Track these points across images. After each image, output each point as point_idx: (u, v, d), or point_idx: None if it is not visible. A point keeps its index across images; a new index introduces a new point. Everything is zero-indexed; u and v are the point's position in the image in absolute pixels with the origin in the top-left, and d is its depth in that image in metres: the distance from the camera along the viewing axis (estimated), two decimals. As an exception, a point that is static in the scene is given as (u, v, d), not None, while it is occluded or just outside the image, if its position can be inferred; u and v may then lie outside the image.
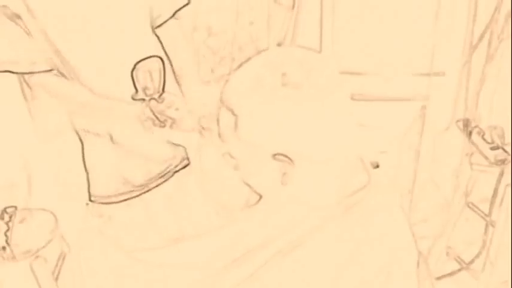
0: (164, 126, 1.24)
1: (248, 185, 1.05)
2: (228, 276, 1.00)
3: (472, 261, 1.45)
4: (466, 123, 1.44)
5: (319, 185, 0.99)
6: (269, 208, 1.04)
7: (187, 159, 1.34)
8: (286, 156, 0.95)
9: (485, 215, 1.44)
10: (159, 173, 1.35)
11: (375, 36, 1.44)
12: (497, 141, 1.40)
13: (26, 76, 1.28)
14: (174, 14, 1.35)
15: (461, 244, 1.47)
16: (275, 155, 0.95)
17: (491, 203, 1.43)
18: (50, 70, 1.25)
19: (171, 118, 1.24)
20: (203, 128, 1.22)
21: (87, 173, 1.34)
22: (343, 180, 1.00)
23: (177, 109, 1.25)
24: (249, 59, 1.22)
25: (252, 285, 0.98)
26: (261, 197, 1.05)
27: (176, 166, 1.36)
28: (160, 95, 1.24)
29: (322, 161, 0.97)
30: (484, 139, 1.40)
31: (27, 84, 1.29)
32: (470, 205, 1.46)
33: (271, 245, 0.99)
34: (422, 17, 1.42)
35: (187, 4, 1.36)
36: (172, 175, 1.36)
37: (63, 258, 1.32)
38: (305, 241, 0.97)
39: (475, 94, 1.45)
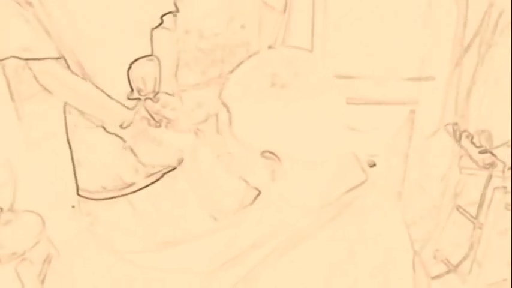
0: (160, 126, 1.19)
1: (245, 181, 1.01)
2: (222, 278, 0.94)
3: (459, 264, 1.40)
4: (455, 127, 1.39)
5: (311, 184, 0.95)
6: (263, 207, 0.99)
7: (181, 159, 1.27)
8: (273, 154, 0.91)
9: (473, 217, 1.39)
10: (149, 172, 1.29)
11: (366, 41, 1.39)
12: (486, 145, 1.36)
13: (29, 62, 1.22)
14: (162, 20, 1.29)
15: (449, 246, 1.42)
16: (263, 152, 0.92)
17: (479, 206, 1.38)
18: (58, 58, 1.20)
19: (166, 118, 1.19)
20: (198, 129, 1.17)
21: (74, 167, 1.26)
22: (336, 179, 0.95)
23: (172, 109, 1.20)
24: (241, 62, 1.18)
25: (247, 286, 0.92)
26: (258, 194, 1.00)
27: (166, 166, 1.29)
28: (156, 94, 1.19)
29: (311, 161, 0.93)
30: (473, 143, 1.36)
31: (32, 73, 1.23)
32: (458, 208, 1.41)
33: (265, 245, 0.94)
34: (412, 21, 1.38)
35: (176, 12, 1.30)
36: (162, 176, 1.29)
37: (49, 261, 1.24)
38: (300, 240, 0.91)
39: (464, 98, 1.40)
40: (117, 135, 1.26)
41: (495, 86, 1.38)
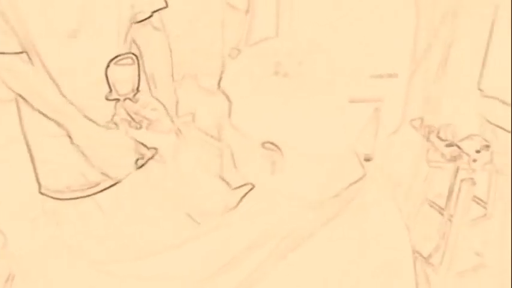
0: (140, 127, 1.10)
1: (228, 183, 0.93)
2: (219, 283, 0.85)
3: (430, 256, 1.38)
4: (421, 122, 1.38)
5: (311, 178, 0.89)
6: (254, 206, 0.91)
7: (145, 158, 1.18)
8: (274, 145, 0.85)
9: (442, 209, 1.37)
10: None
11: (331, 40, 1.35)
12: (451, 139, 1.35)
13: None
14: (152, 15, 1.20)
15: (419, 239, 1.40)
16: (264, 143, 0.85)
17: (448, 199, 1.37)
18: (21, 52, 1.09)
19: (147, 119, 1.09)
20: (179, 129, 1.08)
21: (35, 164, 1.14)
22: (335, 173, 0.89)
23: (153, 109, 1.11)
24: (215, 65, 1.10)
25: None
26: (244, 194, 0.93)
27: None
28: (135, 94, 1.09)
29: (311, 152, 0.87)
30: (439, 137, 1.35)
31: None
32: (427, 201, 1.39)
33: (262, 247, 0.86)
34: (374, 21, 1.35)
35: (165, 7, 1.22)
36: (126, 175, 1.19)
37: (12, 279, 1.11)
38: (300, 242, 0.85)
39: (430, 94, 1.39)
40: (79, 149, 1.15)
41: (458, 81, 1.38)
